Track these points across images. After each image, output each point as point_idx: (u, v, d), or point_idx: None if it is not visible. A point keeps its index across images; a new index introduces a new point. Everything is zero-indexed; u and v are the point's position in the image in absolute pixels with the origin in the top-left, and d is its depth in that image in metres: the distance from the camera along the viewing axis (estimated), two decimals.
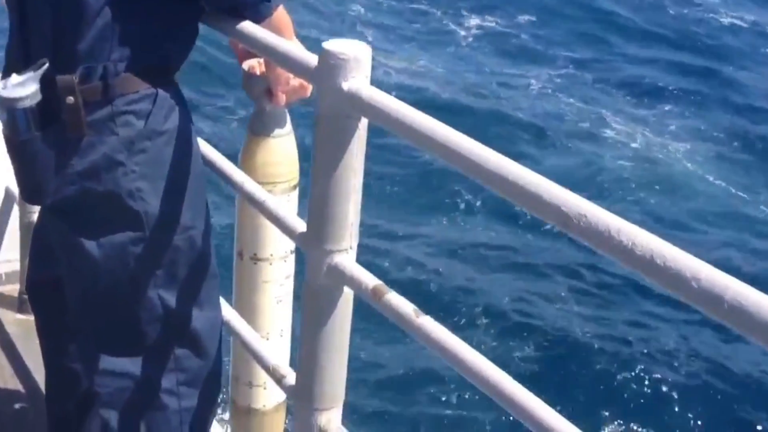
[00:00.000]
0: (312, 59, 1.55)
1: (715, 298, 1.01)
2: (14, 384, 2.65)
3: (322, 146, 1.54)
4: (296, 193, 2.11)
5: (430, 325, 1.44)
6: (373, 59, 1.53)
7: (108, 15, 1.68)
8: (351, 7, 12.82)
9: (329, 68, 1.48)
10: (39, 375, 2.43)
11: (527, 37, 12.62)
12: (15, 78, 1.71)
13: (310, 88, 1.91)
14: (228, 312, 2.03)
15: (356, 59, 1.47)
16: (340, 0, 12.93)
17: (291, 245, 2.10)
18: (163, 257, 1.83)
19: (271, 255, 2.11)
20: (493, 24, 12.87)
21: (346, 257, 1.59)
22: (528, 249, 7.74)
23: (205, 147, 1.98)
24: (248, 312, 2.14)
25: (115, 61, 1.72)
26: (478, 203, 8.19)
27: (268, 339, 2.15)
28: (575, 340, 6.68)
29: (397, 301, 1.49)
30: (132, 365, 1.89)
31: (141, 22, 1.72)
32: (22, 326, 2.88)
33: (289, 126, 2.09)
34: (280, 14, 1.80)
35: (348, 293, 1.62)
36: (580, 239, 1.16)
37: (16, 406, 2.58)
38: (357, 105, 1.47)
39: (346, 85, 1.48)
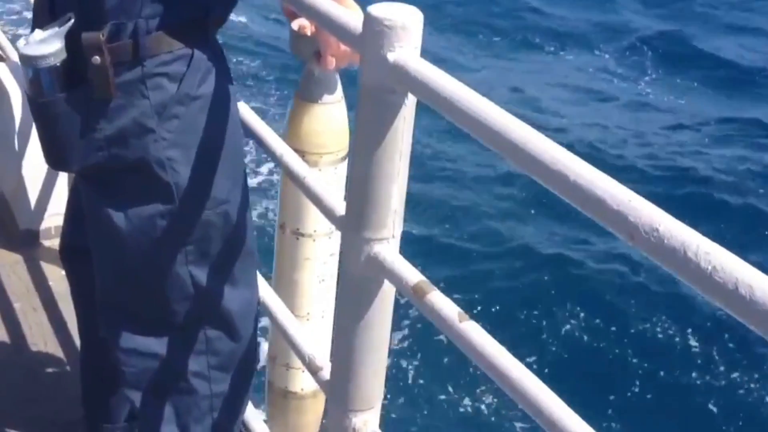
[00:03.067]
0: (357, 24, 1.38)
1: None
2: (54, 347, 2.56)
3: (364, 122, 1.37)
4: (345, 164, 1.95)
5: (474, 332, 1.27)
6: None
7: None
8: None
9: (373, 35, 1.31)
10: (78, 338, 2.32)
11: None
12: (38, 34, 1.57)
13: None
14: (266, 292, 1.89)
15: (404, 27, 1.29)
16: None
17: None
18: (194, 232, 1.69)
19: (315, 231, 1.96)
20: None
21: (386, 247, 1.42)
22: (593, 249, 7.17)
23: (246, 113, 1.83)
24: (289, 290, 1.99)
25: (147, 18, 1.56)
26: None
27: (308, 320, 2.01)
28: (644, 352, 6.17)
29: (440, 301, 1.33)
30: (159, 345, 1.77)
31: None
32: (67, 284, 2.79)
33: (339, 92, 1.93)
34: None
35: (389, 287, 1.45)
36: (648, 255, 0.98)
37: (54, 369, 2.49)
38: (402, 79, 1.29)
39: (391, 56, 1.30)
